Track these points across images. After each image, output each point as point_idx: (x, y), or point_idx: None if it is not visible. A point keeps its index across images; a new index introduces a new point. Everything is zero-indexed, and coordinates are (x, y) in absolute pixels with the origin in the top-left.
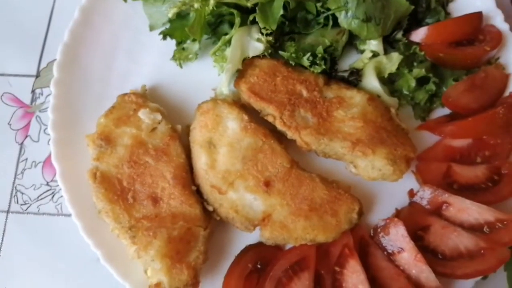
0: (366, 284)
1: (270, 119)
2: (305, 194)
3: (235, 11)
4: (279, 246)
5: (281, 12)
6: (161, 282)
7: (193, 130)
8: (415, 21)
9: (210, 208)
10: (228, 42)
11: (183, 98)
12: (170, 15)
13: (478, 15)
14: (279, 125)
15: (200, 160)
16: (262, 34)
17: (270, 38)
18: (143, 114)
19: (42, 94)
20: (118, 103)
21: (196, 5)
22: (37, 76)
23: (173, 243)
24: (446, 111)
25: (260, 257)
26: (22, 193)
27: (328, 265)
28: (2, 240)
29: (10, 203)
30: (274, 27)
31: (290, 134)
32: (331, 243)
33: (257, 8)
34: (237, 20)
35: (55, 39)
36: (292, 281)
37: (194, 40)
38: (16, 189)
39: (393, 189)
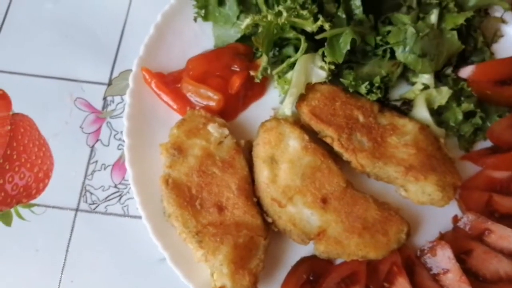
0: None
1: (328, 140)
2: (359, 213)
3: (302, 37)
4: (331, 260)
5: (348, 47)
6: (225, 285)
7: (256, 146)
8: (462, 59)
9: (269, 220)
10: (291, 66)
11: (242, 115)
12: (243, 26)
13: None
14: (336, 147)
15: (263, 174)
16: (325, 62)
17: (333, 67)
18: (212, 128)
19: (113, 102)
20: (188, 116)
21: (269, 17)
22: (109, 84)
23: (238, 250)
24: (488, 143)
25: (313, 269)
26: (91, 193)
27: (377, 280)
28: (70, 237)
29: (79, 202)
30: (341, 60)
31: (346, 155)
32: (380, 260)
33: (326, 43)
34: (303, 45)
35: (126, 50)
36: None
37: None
38: (85, 189)
39: (437, 214)
